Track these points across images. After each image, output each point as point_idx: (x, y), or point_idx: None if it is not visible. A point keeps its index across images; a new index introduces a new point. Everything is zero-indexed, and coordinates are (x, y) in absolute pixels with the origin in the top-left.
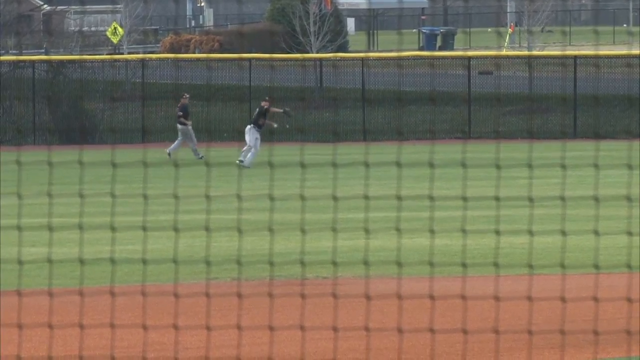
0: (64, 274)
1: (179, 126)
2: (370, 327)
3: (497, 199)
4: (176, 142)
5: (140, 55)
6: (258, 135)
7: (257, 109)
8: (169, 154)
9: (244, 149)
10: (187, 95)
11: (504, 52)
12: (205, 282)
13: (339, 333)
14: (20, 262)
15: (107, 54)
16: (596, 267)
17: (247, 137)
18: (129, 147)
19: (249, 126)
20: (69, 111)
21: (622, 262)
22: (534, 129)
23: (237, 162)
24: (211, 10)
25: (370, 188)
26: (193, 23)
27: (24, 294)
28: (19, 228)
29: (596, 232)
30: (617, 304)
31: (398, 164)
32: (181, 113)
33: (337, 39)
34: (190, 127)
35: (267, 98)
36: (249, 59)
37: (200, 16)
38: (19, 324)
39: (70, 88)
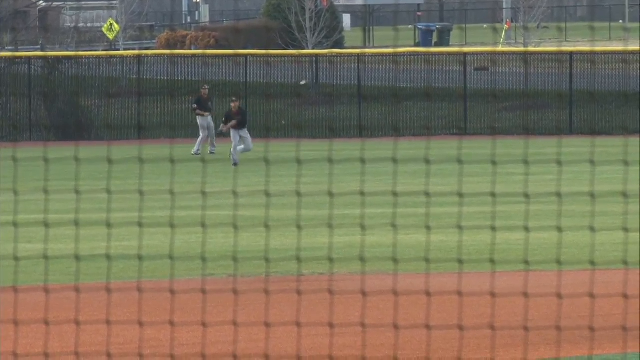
0: (60, 270)
1: (198, 119)
2: (366, 323)
3: (493, 195)
4: (212, 138)
5: (136, 52)
6: (238, 136)
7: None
8: (197, 153)
9: (239, 148)
10: (207, 87)
11: (499, 49)
12: (201, 278)
13: (335, 329)
14: (16, 259)
15: (103, 50)
16: (592, 263)
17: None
18: (125, 143)
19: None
20: (65, 107)
21: (618, 258)
22: (529, 125)
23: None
24: (207, 6)
25: (366, 184)
26: (189, 19)
27: (20, 290)
28: (15, 224)
29: (592, 229)
30: (613, 300)
31: (394, 160)
32: (195, 105)
33: (332, 35)
34: (209, 119)
35: (234, 99)
36: (245, 55)
37: (196, 12)
38: (15, 320)
39: (66, 84)
